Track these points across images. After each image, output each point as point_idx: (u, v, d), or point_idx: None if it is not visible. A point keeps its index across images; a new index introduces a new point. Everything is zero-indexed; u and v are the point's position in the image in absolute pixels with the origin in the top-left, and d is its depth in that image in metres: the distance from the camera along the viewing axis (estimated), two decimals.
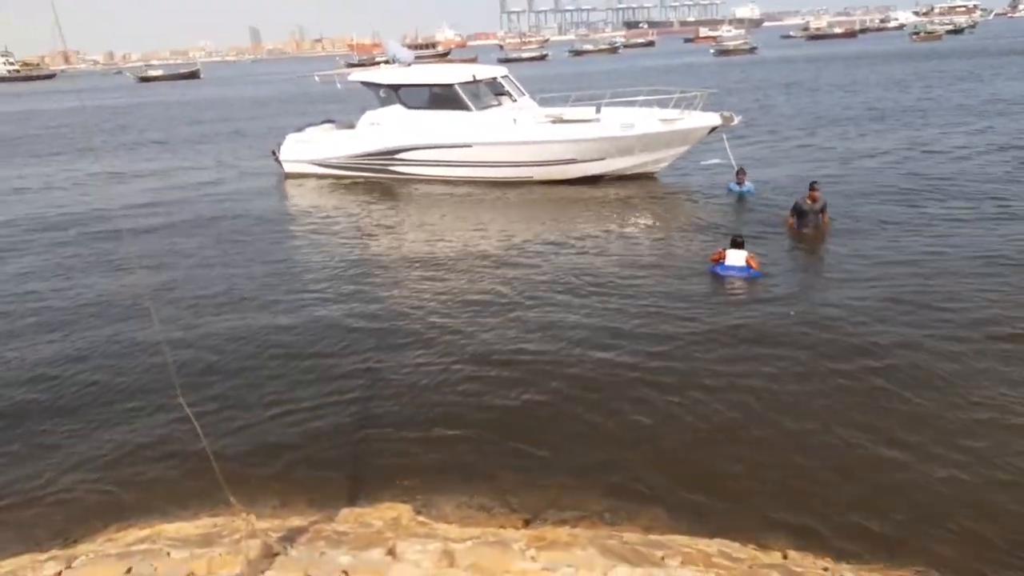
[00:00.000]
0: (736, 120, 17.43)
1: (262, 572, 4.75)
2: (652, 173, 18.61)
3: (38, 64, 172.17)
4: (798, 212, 12.98)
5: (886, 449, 6.53)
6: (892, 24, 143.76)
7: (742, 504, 5.98)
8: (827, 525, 5.69)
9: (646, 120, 17.54)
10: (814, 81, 43.41)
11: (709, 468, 6.45)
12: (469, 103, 19.05)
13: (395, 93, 19.86)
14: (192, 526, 5.84)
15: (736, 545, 5.43)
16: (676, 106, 17.66)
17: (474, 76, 19.71)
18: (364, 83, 21.20)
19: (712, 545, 5.37)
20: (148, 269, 12.95)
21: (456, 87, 19.15)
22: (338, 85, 23.78)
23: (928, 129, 23.16)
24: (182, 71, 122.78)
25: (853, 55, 66.20)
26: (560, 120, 18.25)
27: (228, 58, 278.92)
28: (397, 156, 19.77)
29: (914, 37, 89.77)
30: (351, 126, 20.97)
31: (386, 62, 23.27)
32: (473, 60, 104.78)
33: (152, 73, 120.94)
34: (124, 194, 20.55)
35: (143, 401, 8.09)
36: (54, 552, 5.64)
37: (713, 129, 17.47)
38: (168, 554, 5.16)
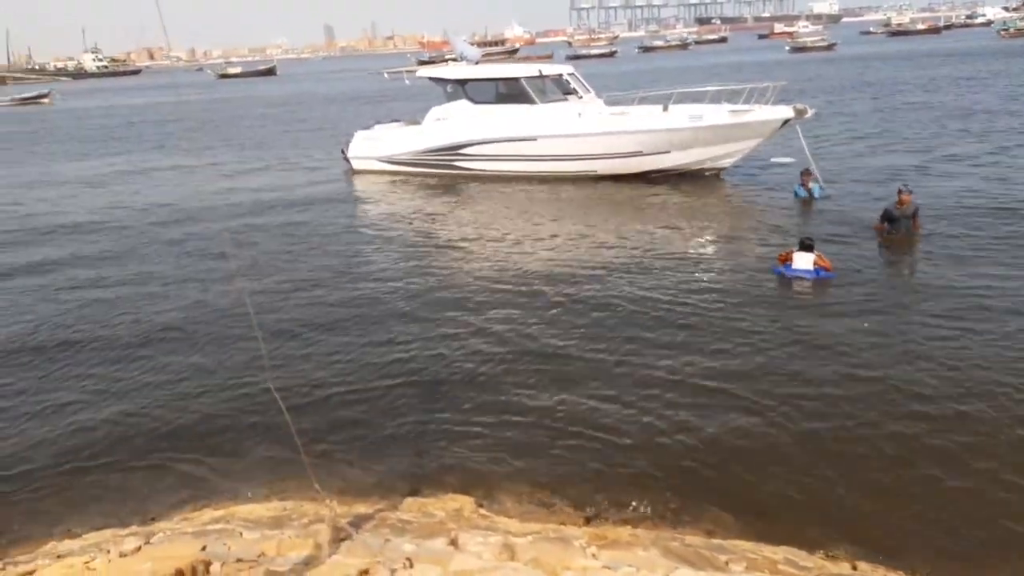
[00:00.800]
0: (810, 113, 16.90)
1: (330, 556, 4.88)
2: (719, 170, 18.20)
3: (124, 60, 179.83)
4: (888, 218, 12.41)
5: (965, 471, 6.26)
6: (979, 20, 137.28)
7: (809, 513, 5.84)
8: (900, 539, 5.51)
9: (714, 112, 17.19)
10: (892, 79, 41.87)
11: (776, 474, 6.32)
12: (535, 96, 19.10)
13: (462, 88, 20.05)
14: (264, 508, 6.04)
15: (803, 553, 5.31)
16: (747, 101, 17.21)
17: (540, 72, 19.75)
18: (432, 79, 21.48)
19: (778, 552, 5.26)
20: (237, 259, 13.44)
21: (522, 81, 19.25)
22: (406, 81, 24.16)
23: (1018, 134, 22.03)
24: (259, 68, 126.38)
25: (937, 52, 63.55)
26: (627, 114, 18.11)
27: (303, 55, 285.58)
28: (462, 151, 19.91)
29: (1002, 33, 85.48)
30: (418, 123, 21.25)
31: (454, 59, 23.51)
32: (548, 58, 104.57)
33: (231, 70, 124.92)
34: (203, 189, 21.36)
35: (229, 388, 8.39)
36: (134, 528, 5.91)
37: (786, 122, 16.94)
38: (241, 534, 5.34)
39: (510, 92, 19.50)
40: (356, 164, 22.00)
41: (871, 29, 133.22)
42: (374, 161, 21.60)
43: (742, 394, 7.59)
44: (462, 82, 20.10)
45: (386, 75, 25.27)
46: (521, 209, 16.69)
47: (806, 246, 10.93)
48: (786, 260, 10.98)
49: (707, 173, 18.15)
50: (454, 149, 20.03)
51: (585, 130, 18.31)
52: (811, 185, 15.46)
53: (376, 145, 21.60)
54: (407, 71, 24.15)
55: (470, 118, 19.78)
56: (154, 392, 8.37)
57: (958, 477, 6.13)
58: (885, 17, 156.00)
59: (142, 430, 7.57)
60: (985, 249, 11.62)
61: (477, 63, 22.34)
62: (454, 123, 20.03)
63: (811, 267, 10.75)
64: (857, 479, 6.20)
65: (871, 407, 7.21)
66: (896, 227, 12.33)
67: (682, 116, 17.38)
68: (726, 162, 18.01)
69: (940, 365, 7.95)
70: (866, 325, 9.09)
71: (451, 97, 20.41)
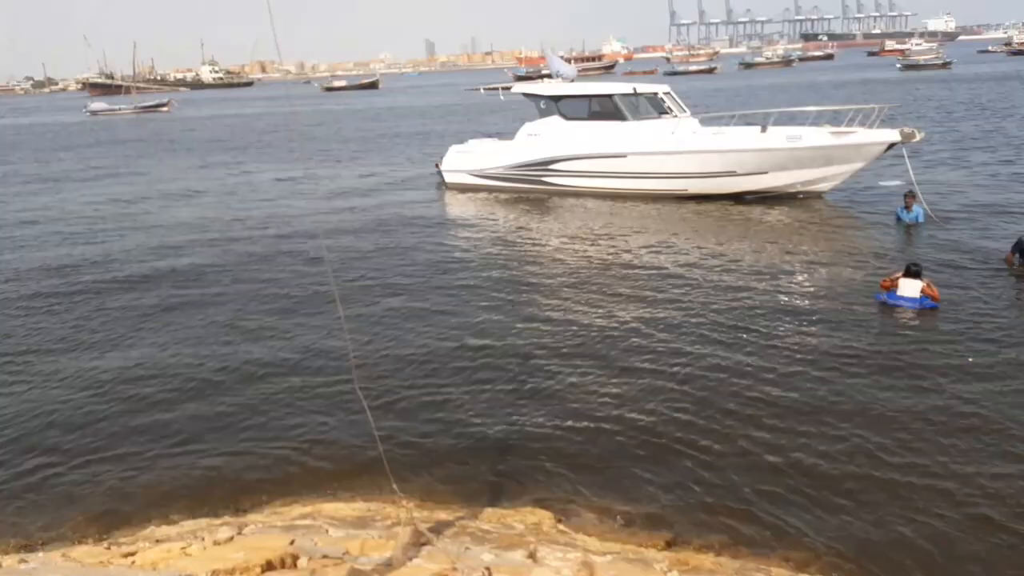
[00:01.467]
0: (919, 136, 16.13)
1: (411, 559, 4.95)
2: (818, 194, 17.58)
3: (239, 72, 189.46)
4: (1021, 249, 11.47)
5: None
6: None
7: (903, 553, 5.54)
8: None
9: (815, 134, 16.63)
10: (1008, 101, 39.44)
11: (869, 510, 6.02)
12: (627, 113, 18.98)
13: (555, 104, 20.12)
14: (349, 507, 6.20)
15: None
16: (851, 123, 16.59)
17: (635, 89, 19.64)
18: (526, 95, 21.70)
19: None
20: (335, 269, 13.76)
21: (615, 98, 19.20)
22: (501, 97, 24.40)
23: None
24: (363, 82, 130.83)
25: None
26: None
27: (405, 69, 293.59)
28: (552, 167, 19.91)
29: None
30: (511, 139, 21.43)
31: (548, 76, 23.67)
32: (652, 72, 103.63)
33: (336, 83, 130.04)
34: (308, 199, 22.16)
35: (318, 387, 8.68)
36: (227, 519, 6.17)
37: (891, 146, 16.23)
38: (327, 531, 5.50)
39: (603, 109, 19.46)
40: (449, 178, 22.28)
41: (989, 48, 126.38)
42: (466, 175, 21.81)
43: (833, 423, 7.29)
44: (555, 98, 20.18)
45: (482, 90, 25.70)
46: (610, 225, 16.58)
47: (912, 272, 10.35)
48: (890, 287, 10.42)
49: (803, 196, 17.56)
50: (544, 165, 20.08)
51: (677, 148, 18.04)
52: (915, 208, 14.74)
53: (469, 159, 21.82)
54: (503, 87, 24.43)
55: (561, 134, 19.81)
56: (244, 389, 8.73)
57: None
58: (1006, 35, 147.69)
59: (231, 424, 7.90)
60: None
61: (572, 80, 22.43)
62: (545, 139, 20.10)
63: (917, 295, 10.18)
64: (963, 522, 5.84)
65: (971, 448, 6.80)
66: None
67: (780, 136, 16.91)
68: (825, 186, 17.40)
69: None
70: (970, 360, 8.56)
71: (544, 113, 20.52)
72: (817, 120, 17.21)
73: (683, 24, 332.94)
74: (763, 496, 6.25)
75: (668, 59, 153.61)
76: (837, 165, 16.86)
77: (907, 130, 16.11)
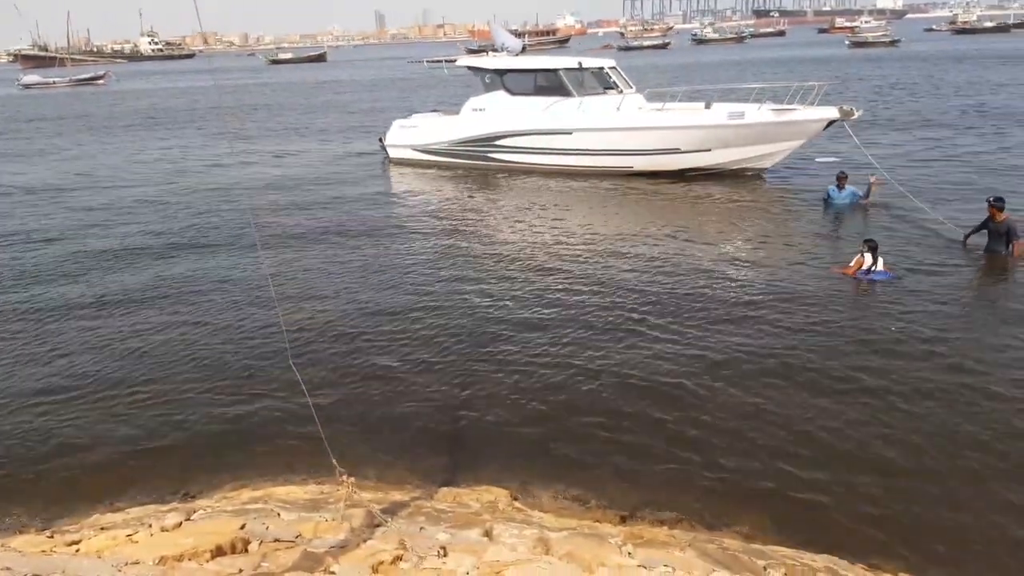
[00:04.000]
0: (857, 114, 16.38)
1: (365, 540, 4.90)
2: (760, 170, 17.76)
3: (179, 44, 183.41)
4: (987, 230, 11.28)
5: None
6: None
7: (853, 521, 5.69)
8: (944, 551, 5.34)
9: (756, 111, 16.75)
10: (942, 79, 40.19)
11: (821, 481, 6.16)
12: (572, 89, 18.79)
13: (500, 79, 19.83)
14: (301, 490, 6.11)
15: (844, 563, 5.17)
16: (792, 99, 16.74)
17: (580, 64, 19.41)
18: (470, 68, 21.30)
19: (819, 560, 5.13)
20: (266, 247, 13.48)
21: (561, 73, 18.98)
22: (445, 71, 23.88)
23: None
24: (310, 54, 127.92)
25: (1004, 53, 61.17)
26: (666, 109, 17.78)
27: (355, 42, 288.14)
28: (497, 142, 19.70)
29: None
30: (456, 113, 21.10)
31: (494, 50, 23.25)
32: (607, 48, 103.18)
33: (282, 56, 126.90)
34: (246, 172, 21.65)
35: (260, 368, 8.51)
36: (175, 504, 6.03)
37: (831, 123, 16.47)
38: (279, 515, 5.41)
39: (548, 84, 19.20)
40: (393, 153, 21.91)
41: (934, 26, 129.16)
42: (410, 150, 21.45)
43: (780, 398, 7.43)
44: (500, 72, 19.87)
45: (426, 64, 24.97)
46: (552, 204, 16.47)
47: (872, 248, 10.55)
48: (859, 268, 10.54)
49: (748, 173, 17.74)
50: (489, 140, 19.82)
51: (622, 124, 18.00)
52: (847, 188, 14.63)
53: (413, 134, 21.44)
54: (447, 60, 23.84)
55: (506, 109, 19.54)
56: (184, 372, 8.51)
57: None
58: (951, 14, 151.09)
59: (175, 408, 7.70)
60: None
61: (518, 54, 22.09)
62: (490, 114, 19.83)
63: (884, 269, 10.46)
64: (904, 489, 6.02)
65: (925, 420, 7.00)
66: (993, 245, 11.14)
67: (722, 114, 16.99)
68: (767, 162, 17.58)
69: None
70: (893, 329, 8.86)
71: (489, 88, 20.18)
72: (760, 96, 17.29)
73: None
74: (714, 471, 6.35)
75: (623, 34, 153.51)
76: (778, 142, 17.04)
77: (846, 108, 16.33)
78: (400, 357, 8.64)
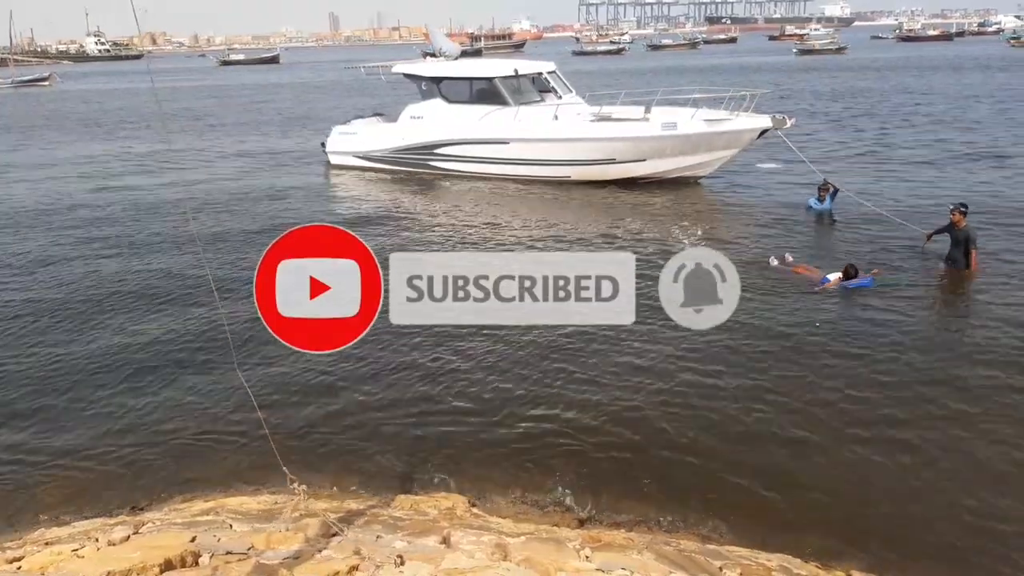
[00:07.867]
0: (789, 123, 16.37)
1: (319, 550, 4.82)
2: (697, 177, 17.78)
3: (127, 45, 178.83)
4: (949, 234, 11.11)
5: (966, 483, 6.23)
6: (992, 28, 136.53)
7: (806, 521, 5.80)
8: (895, 549, 5.47)
9: (689, 121, 16.73)
10: (883, 86, 41.20)
11: (774, 481, 6.25)
12: (508, 98, 18.52)
13: (436, 86, 19.56)
14: (254, 501, 5.99)
15: (798, 562, 5.26)
16: (727, 107, 16.81)
17: (516, 70, 19.13)
18: (407, 75, 20.89)
19: (773, 560, 5.21)
20: (207, 248, 13.17)
21: (496, 81, 18.69)
22: (382, 77, 23.44)
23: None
24: (263, 56, 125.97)
25: (945, 60, 63.17)
26: (604, 119, 17.65)
27: (308, 44, 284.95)
28: (436, 151, 19.41)
29: (1012, 42, 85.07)
30: (396, 120, 20.71)
31: (432, 55, 22.86)
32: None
33: (234, 57, 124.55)
34: (185, 175, 21.23)
35: (208, 376, 8.32)
36: (123, 518, 5.85)
37: (763, 132, 16.56)
38: (231, 526, 5.28)
39: (484, 92, 18.96)
40: (334, 159, 21.43)
41: (880, 34, 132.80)
42: (350, 157, 20.99)
43: (736, 400, 7.53)
44: (436, 80, 19.56)
45: (363, 70, 24.38)
46: (493, 206, 16.33)
47: (851, 276, 10.53)
48: (847, 277, 10.57)
49: (689, 181, 17.69)
50: (428, 149, 19.49)
51: (558, 135, 17.80)
52: (827, 200, 14.53)
53: (353, 140, 21.00)
54: (382, 67, 23.29)
55: (444, 118, 19.24)
56: (127, 382, 8.28)
57: (962, 493, 6.09)
58: (897, 22, 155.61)
59: (124, 421, 7.49)
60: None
61: (457, 58, 21.77)
62: (428, 122, 19.50)
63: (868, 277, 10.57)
64: (856, 488, 6.15)
65: (871, 414, 7.17)
66: (953, 254, 10.96)
67: (656, 125, 16.92)
68: (704, 171, 17.59)
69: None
70: (817, 324, 9.12)
71: (426, 95, 19.88)
72: (698, 103, 17.17)
73: (592, 3, 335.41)
74: (670, 475, 6.40)
75: (578, 39, 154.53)
76: (713, 151, 17.03)
77: (778, 117, 16.38)
78: (350, 363, 8.48)
